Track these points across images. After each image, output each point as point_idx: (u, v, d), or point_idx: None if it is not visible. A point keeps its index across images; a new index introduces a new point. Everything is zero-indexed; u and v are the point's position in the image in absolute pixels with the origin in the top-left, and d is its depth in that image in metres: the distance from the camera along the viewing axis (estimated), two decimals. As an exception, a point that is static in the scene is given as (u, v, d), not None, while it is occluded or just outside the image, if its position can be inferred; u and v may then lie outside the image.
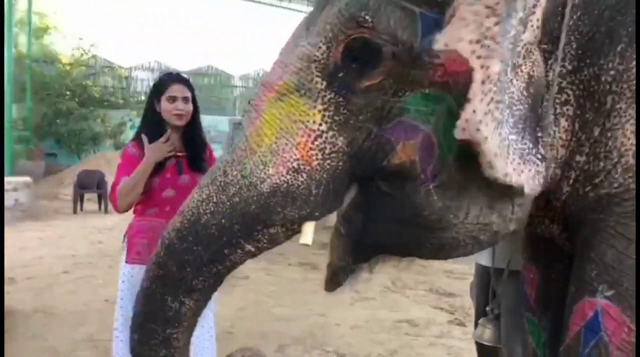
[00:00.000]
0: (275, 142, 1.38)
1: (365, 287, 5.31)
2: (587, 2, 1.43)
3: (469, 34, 1.24)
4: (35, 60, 14.63)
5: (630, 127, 1.40)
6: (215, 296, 1.55)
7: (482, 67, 1.23)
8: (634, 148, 1.40)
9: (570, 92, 1.44)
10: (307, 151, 1.37)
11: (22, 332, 4.01)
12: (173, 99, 2.48)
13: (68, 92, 14.58)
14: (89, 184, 10.16)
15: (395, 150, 1.35)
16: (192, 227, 1.40)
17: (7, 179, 8.84)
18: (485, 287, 2.49)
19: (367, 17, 1.32)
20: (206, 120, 14.33)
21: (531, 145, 1.37)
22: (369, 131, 1.37)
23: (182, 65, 16.84)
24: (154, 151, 2.43)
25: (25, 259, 6.36)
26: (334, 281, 1.60)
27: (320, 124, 1.37)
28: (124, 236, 2.55)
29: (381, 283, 5.52)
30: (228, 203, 1.39)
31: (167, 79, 2.57)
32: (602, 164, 1.42)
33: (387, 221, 1.45)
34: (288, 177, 1.37)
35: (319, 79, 1.37)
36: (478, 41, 1.23)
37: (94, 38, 16.48)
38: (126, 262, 2.49)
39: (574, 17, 1.42)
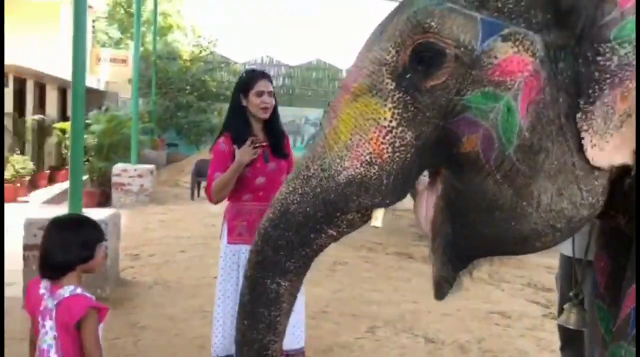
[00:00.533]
0: (350, 139, 1.56)
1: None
2: None
3: None
4: (159, 57, 15.74)
5: None
6: (304, 288, 1.78)
7: None
8: None
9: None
10: (379, 145, 1.54)
11: (143, 301, 4.54)
12: (260, 94, 2.75)
13: (188, 87, 15.52)
14: (206, 173, 10.73)
15: (462, 140, 1.50)
16: (283, 217, 1.62)
17: (133, 166, 9.72)
18: (568, 276, 2.56)
19: (432, 24, 1.48)
20: (315, 113, 14.82)
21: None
22: (435, 125, 1.54)
23: (291, 59, 17.37)
24: (244, 155, 2.69)
25: (148, 238, 7.04)
26: (439, 293, 1.78)
27: (391, 121, 1.54)
28: (223, 218, 2.86)
29: (477, 276, 5.54)
30: (311, 194, 1.59)
31: (254, 75, 2.84)
32: None
33: (465, 220, 1.59)
34: (362, 169, 1.55)
35: (389, 81, 1.54)
36: None
37: (212, 36, 17.26)
38: (228, 242, 2.78)
39: None
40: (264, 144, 2.76)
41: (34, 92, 11.51)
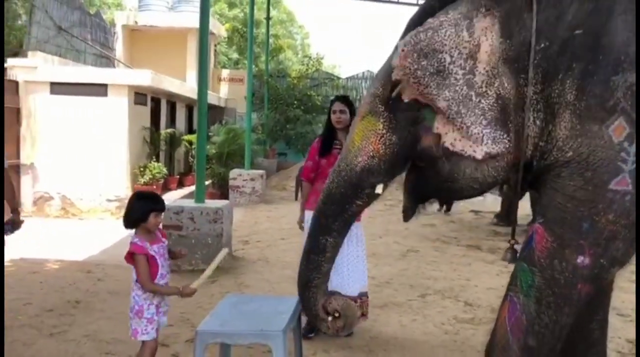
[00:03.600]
0: (361, 144, 2.66)
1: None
2: (544, 48, 2.42)
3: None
4: (270, 75, 17.34)
5: (564, 124, 2.37)
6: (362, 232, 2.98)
7: (433, 106, 2.41)
8: (564, 136, 2.37)
9: (540, 105, 2.45)
10: (377, 146, 2.62)
11: (249, 270, 5.80)
12: (334, 112, 4.10)
13: (296, 102, 17.00)
14: None
15: (422, 140, 2.53)
16: (328, 196, 2.76)
17: (247, 171, 11.21)
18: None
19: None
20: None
21: (502, 133, 2.42)
22: (408, 131, 2.58)
23: (392, 73, 18.36)
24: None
25: (257, 229, 8.39)
26: (405, 217, 2.85)
27: (382, 130, 2.61)
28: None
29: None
30: (342, 181, 2.71)
31: (334, 100, 4.22)
32: (549, 146, 2.42)
33: (426, 180, 2.64)
34: (368, 161, 2.64)
35: (380, 106, 2.62)
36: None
37: (318, 54, 18.59)
38: (306, 208, 4.11)
39: (537, 58, 2.43)
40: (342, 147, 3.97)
41: (166, 109, 13.38)
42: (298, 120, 16.72)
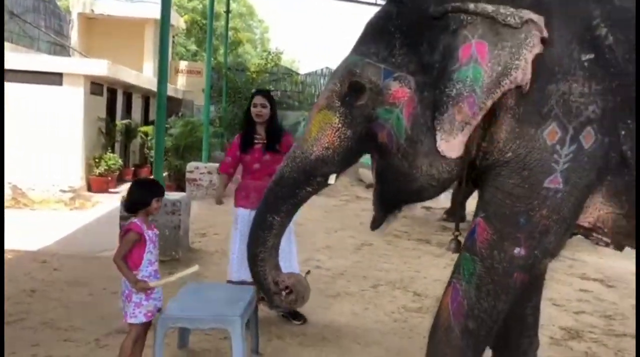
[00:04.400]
0: (317, 135, 2.78)
1: (461, 257, 6.45)
2: None
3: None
4: (229, 68, 17.31)
5: (504, 127, 2.57)
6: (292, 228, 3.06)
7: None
8: (504, 138, 2.58)
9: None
10: (332, 138, 2.76)
11: (206, 262, 5.90)
12: (255, 106, 4.15)
13: (254, 96, 17.11)
14: None
15: (377, 136, 2.70)
16: (281, 179, 2.87)
17: (204, 164, 11.21)
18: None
19: (357, 70, 2.69)
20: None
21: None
22: (362, 126, 2.74)
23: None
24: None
25: (214, 222, 8.42)
26: (374, 226, 3.03)
27: (338, 124, 2.75)
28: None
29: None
30: (296, 167, 2.83)
31: (254, 94, 4.33)
32: (490, 147, 2.62)
33: (388, 182, 2.81)
34: (323, 151, 2.77)
35: (337, 101, 2.75)
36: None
37: (277, 49, 18.73)
38: (234, 205, 4.30)
39: None
40: (263, 141, 4.14)
41: (122, 100, 13.24)
42: (256, 114, 16.75)
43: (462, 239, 2.99)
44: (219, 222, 8.40)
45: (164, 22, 6.01)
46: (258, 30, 24.82)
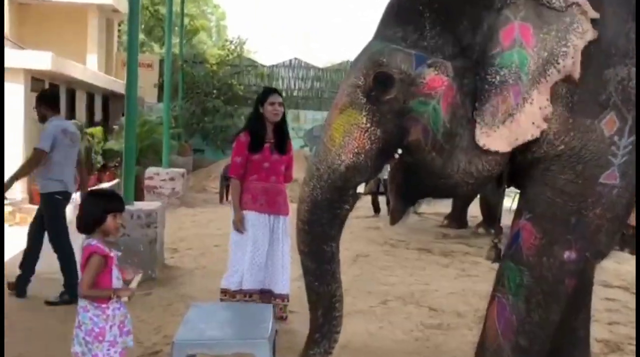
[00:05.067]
0: (343, 140, 2.76)
1: (470, 267, 6.57)
2: None
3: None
4: (185, 60, 17.14)
5: (555, 118, 2.61)
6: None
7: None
8: (555, 130, 2.63)
9: None
10: (362, 141, 2.75)
11: (189, 280, 5.83)
12: (272, 104, 4.30)
13: (215, 91, 16.96)
14: None
15: (410, 132, 2.72)
16: (315, 206, 2.83)
17: (165, 170, 11.09)
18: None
19: (384, 60, 2.70)
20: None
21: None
22: (394, 124, 2.75)
23: (319, 61, 18.73)
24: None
25: (183, 235, 8.36)
26: (394, 218, 3.04)
27: (366, 124, 2.75)
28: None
29: (488, 265, 6.69)
30: (326, 185, 2.81)
31: (269, 91, 4.43)
32: (538, 140, 2.65)
33: (416, 178, 2.84)
34: (354, 158, 2.76)
35: (362, 97, 2.75)
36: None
37: (239, 38, 18.55)
38: (240, 209, 4.31)
39: None
40: (272, 141, 4.29)
41: (66, 99, 12.96)
42: (217, 112, 16.66)
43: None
44: (189, 236, 8.33)
45: (133, 12, 5.92)
46: (213, 17, 24.66)
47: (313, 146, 16.84)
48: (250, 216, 4.33)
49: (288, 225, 4.34)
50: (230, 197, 11.70)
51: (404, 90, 2.68)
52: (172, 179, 11.04)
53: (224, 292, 4.40)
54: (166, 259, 6.56)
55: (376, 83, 2.70)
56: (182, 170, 11.58)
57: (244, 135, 4.38)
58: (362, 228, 8.65)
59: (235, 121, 16.52)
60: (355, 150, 2.74)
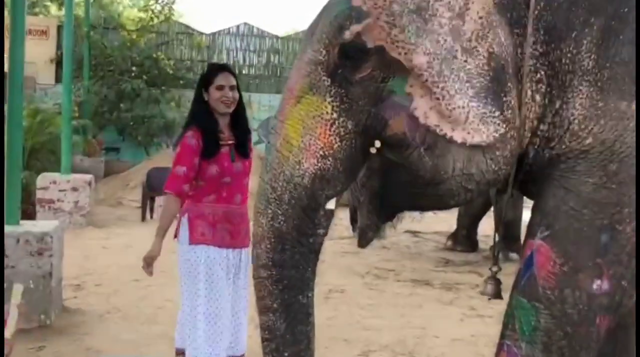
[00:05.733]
0: (302, 140, 2.74)
1: (482, 304, 6.61)
2: None
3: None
4: (93, 26, 16.91)
5: (580, 100, 2.66)
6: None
7: (406, 61, 2.58)
8: (580, 117, 2.67)
9: (542, 72, 2.72)
10: (327, 138, 2.73)
11: (95, 328, 5.77)
12: (221, 87, 3.96)
13: (134, 68, 16.83)
14: (160, 186, 11.79)
15: (391, 122, 2.72)
16: (280, 240, 2.78)
17: (65, 177, 10.93)
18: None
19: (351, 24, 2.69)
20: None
21: (494, 109, 2.64)
22: (368, 112, 2.73)
23: (277, 28, 18.74)
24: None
25: (90, 267, 8.27)
26: (364, 239, 3.04)
27: (332, 114, 2.73)
28: (181, 218, 4.02)
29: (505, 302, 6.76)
30: (290, 208, 2.76)
31: (213, 68, 4.10)
32: (557, 131, 2.70)
33: (397, 183, 2.83)
34: (319, 163, 2.74)
35: (324, 78, 2.73)
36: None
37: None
38: (191, 242, 3.94)
39: (539, 7, 2.71)
40: (230, 142, 4.00)
41: None
42: (138, 96, 16.51)
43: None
44: (99, 267, 8.25)
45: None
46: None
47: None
48: (205, 251, 3.96)
49: (249, 259, 4.11)
50: (155, 215, 11.64)
51: (381, 63, 2.67)
52: (74, 189, 10.87)
53: (180, 353, 4.14)
54: (66, 300, 6.48)
55: (343, 56, 2.69)
56: (88, 176, 11.42)
57: (194, 134, 3.96)
58: (337, 253, 8.65)
59: (163, 109, 16.39)
60: (321, 152, 2.73)
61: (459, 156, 2.70)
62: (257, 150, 15.22)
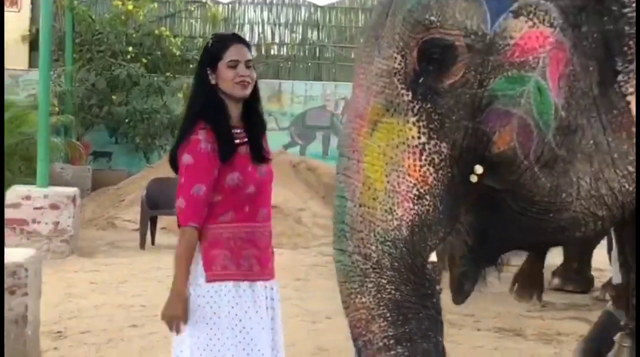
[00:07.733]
0: (388, 181, 2.71)
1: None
2: None
3: None
4: (78, -4, 17.02)
5: None
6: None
7: None
8: None
9: None
10: (419, 170, 2.70)
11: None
12: (234, 64, 3.75)
13: (130, 49, 16.82)
14: (165, 202, 11.65)
15: (493, 140, 2.68)
16: (393, 311, 2.71)
17: (42, 191, 11.02)
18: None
19: (432, 18, 2.66)
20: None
21: None
22: (465, 129, 2.70)
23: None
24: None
25: (75, 308, 8.32)
26: (460, 292, 3.01)
27: (419, 137, 2.70)
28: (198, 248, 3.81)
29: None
30: (395, 272, 2.72)
31: (223, 39, 3.93)
32: None
33: (502, 217, 2.80)
34: (416, 207, 2.70)
35: (403, 91, 2.71)
36: None
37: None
38: (208, 280, 3.76)
39: None
40: (246, 140, 3.81)
41: None
42: (136, 85, 16.68)
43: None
44: (85, 309, 8.30)
45: None
46: None
47: (307, 145, 16.79)
48: (224, 288, 3.76)
49: (276, 294, 3.96)
50: (158, 240, 11.66)
51: (477, 64, 2.66)
52: (54, 206, 10.95)
53: None
54: (44, 352, 6.53)
55: (425, 59, 2.68)
56: (72, 190, 11.52)
57: (206, 134, 3.74)
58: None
59: (167, 102, 16.48)
60: (414, 191, 2.70)
61: (583, 170, 2.69)
62: (290, 157, 15.59)
